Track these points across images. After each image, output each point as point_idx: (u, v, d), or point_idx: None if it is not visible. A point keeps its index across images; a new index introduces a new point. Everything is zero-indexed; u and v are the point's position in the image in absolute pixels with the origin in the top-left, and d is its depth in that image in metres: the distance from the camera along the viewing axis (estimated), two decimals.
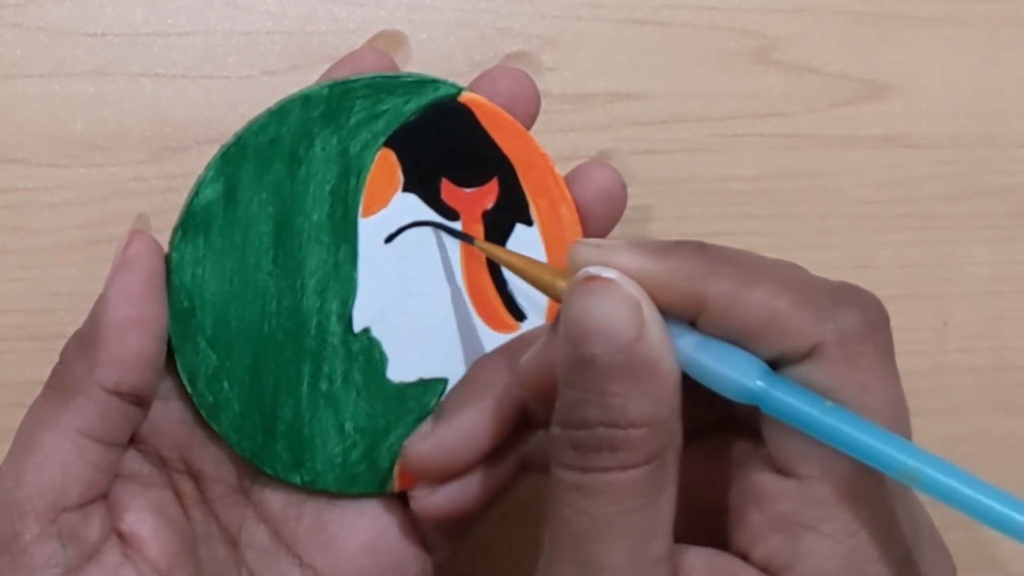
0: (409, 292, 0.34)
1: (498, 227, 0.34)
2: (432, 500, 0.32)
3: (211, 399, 0.33)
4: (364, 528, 0.35)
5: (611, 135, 0.43)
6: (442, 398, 0.34)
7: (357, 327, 0.34)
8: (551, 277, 0.30)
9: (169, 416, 0.34)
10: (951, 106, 0.45)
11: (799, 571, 0.27)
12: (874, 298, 0.28)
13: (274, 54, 0.42)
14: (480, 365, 0.34)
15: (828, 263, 0.43)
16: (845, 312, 0.27)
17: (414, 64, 0.36)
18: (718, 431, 0.30)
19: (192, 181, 0.33)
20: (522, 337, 0.34)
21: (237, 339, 0.33)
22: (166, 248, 0.33)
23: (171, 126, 0.42)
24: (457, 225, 0.34)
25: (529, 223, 0.35)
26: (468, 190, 0.34)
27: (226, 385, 0.33)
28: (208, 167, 0.33)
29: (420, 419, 0.34)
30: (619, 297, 0.27)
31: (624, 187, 0.35)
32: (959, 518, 0.26)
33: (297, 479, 0.34)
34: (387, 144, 0.34)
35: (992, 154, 0.45)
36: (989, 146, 0.45)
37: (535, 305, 0.35)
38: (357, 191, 0.34)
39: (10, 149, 0.41)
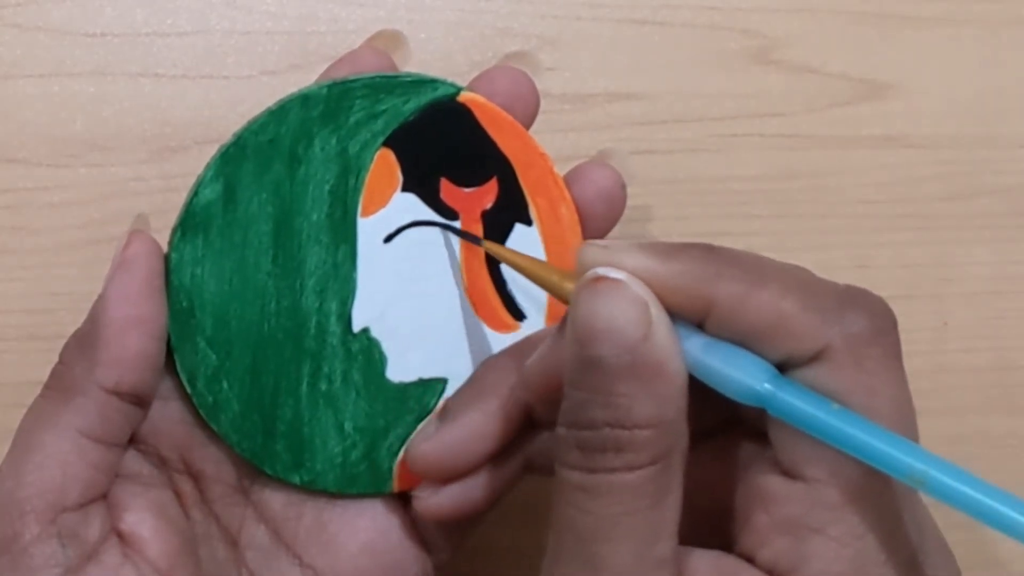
0: (408, 292, 0.34)
1: (497, 227, 0.34)
2: (435, 500, 0.32)
3: (211, 399, 0.33)
4: (364, 528, 0.35)
5: (611, 135, 0.43)
6: (443, 398, 0.34)
7: (356, 327, 0.34)
8: (558, 278, 0.30)
9: (169, 416, 0.34)
10: (951, 106, 0.45)
11: (805, 574, 0.27)
12: (881, 301, 0.28)
13: (274, 54, 0.42)
14: (486, 366, 0.34)
15: (828, 263, 0.43)
16: (852, 315, 0.27)
17: (414, 64, 0.36)
18: (724, 433, 0.30)
19: (192, 181, 0.33)
20: (528, 339, 0.34)
21: (236, 339, 0.33)
22: (165, 248, 0.33)
23: (171, 126, 0.42)
24: (457, 225, 0.34)
25: (528, 223, 0.35)
26: (467, 190, 0.34)
27: (226, 385, 0.33)
28: (207, 167, 0.33)
29: (420, 419, 0.34)
30: (626, 298, 0.27)
31: (624, 187, 0.35)
32: (961, 519, 0.26)
33: (297, 479, 0.34)
34: (386, 144, 0.34)
35: (992, 154, 0.45)
36: (989, 146, 0.45)
37: (535, 305, 0.35)
38: (356, 191, 0.34)
39: (10, 149, 0.41)
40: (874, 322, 0.28)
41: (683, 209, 0.43)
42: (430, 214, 0.34)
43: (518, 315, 0.35)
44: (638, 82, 0.44)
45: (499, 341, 0.34)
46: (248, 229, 0.33)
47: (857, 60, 0.45)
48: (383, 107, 0.34)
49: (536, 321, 0.35)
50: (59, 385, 0.32)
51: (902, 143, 0.44)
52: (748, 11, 0.44)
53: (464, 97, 0.34)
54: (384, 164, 0.34)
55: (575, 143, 0.43)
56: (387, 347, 0.34)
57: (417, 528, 0.35)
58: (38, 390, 0.33)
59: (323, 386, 0.34)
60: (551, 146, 0.35)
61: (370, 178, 0.34)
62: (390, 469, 0.34)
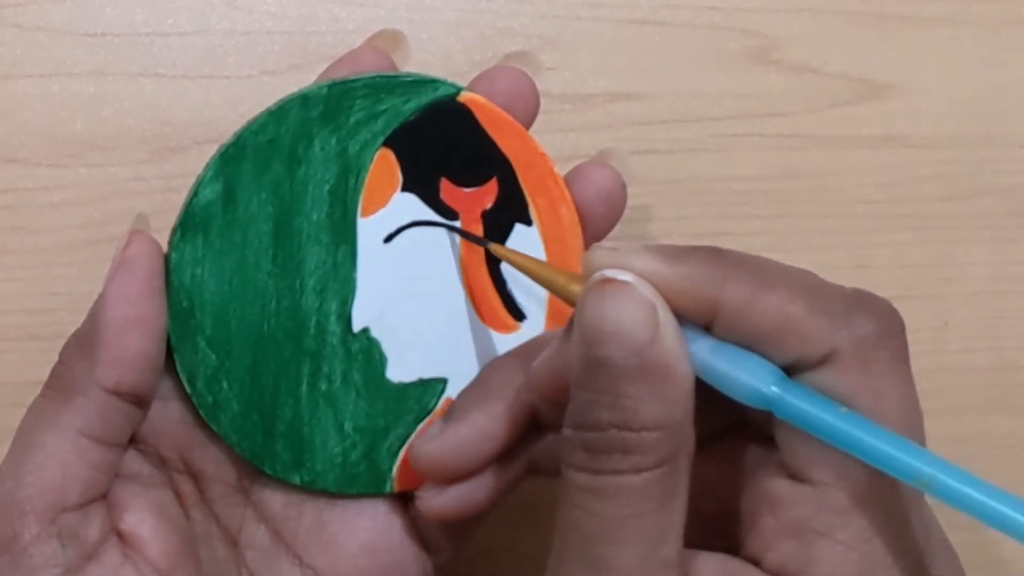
0: (408, 292, 0.34)
1: (497, 227, 0.34)
2: (439, 501, 0.32)
3: (210, 399, 0.33)
4: (364, 528, 0.35)
5: (611, 135, 0.43)
6: (443, 398, 0.34)
7: (356, 327, 0.34)
8: (565, 281, 0.30)
9: (169, 416, 0.34)
10: (951, 106, 0.45)
11: None
12: (889, 305, 0.28)
13: (274, 54, 0.42)
14: (491, 367, 0.33)
15: (828, 263, 0.43)
16: (860, 318, 0.27)
17: (414, 64, 0.36)
18: (730, 436, 0.30)
19: (192, 181, 0.33)
20: (533, 340, 0.34)
21: (236, 339, 0.33)
22: (165, 248, 0.33)
23: (171, 126, 0.42)
24: (457, 224, 0.34)
25: (528, 223, 0.35)
26: (467, 190, 0.34)
27: (225, 385, 0.33)
28: (207, 167, 0.33)
29: (420, 419, 0.34)
30: (634, 300, 0.27)
31: (624, 187, 0.35)
32: (963, 519, 0.26)
33: (297, 479, 0.34)
34: (386, 144, 0.34)
35: (992, 154, 0.45)
36: (989, 146, 0.45)
37: (535, 305, 0.35)
38: (356, 191, 0.34)
39: (10, 149, 0.41)
40: (882, 325, 0.28)
41: (683, 209, 0.43)
42: (430, 214, 0.34)
43: (518, 315, 0.35)
44: (638, 82, 0.44)
45: (499, 341, 0.34)
46: (248, 229, 0.33)
47: (857, 60, 0.45)
48: (383, 107, 0.34)
49: (536, 321, 0.35)
50: (59, 385, 0.32)
51: (902, 143, 0.44)
52: (748, 11, 0.44)
53: (464, 97, 0.34)
54: (384, 164, 0.34)
55: (575, 143, 0.43)
56: (387, 347, 0.34)
57: (417, 528, 0.35)
58: (38, 390, 0.33)
59: (323, 386, 0.34)
60: (551, 146, 0.35)
61: (370, 178, 0.34)
62: (390, 469, 0.34)
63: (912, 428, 0.27)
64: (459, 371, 0.34)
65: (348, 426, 0.34)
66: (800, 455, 0.28)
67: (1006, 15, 0.45)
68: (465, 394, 0.33)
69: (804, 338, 0.27)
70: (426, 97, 0.34)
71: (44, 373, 0.33)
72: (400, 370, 0.34)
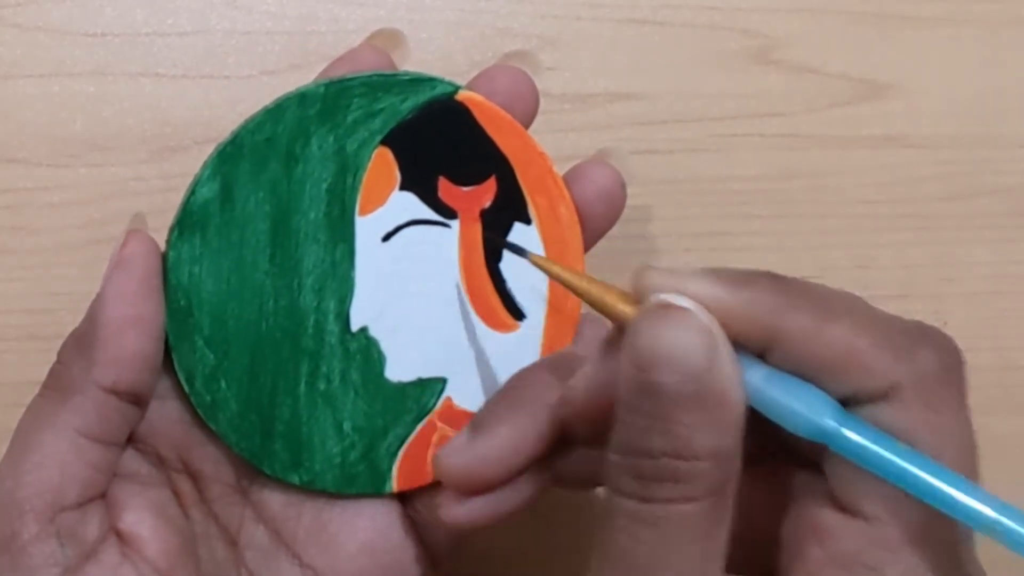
0: (407, 291, 0.34)
1: (496, 226, 0.34)
2: (461, 511, 0.31)
3: (209, 398, 0.33)
4: (363, 528, 0.34)
5: (611, 135, 0.43)
6: (442, 398, 0.34)
7: (355, 326, 0.34)
8: (613, 300, 0.29)
9: (167, 415, 0.34)
10: (951, 106, 0.45)
11: None
12: (949, 339, 0.28)
13: (274, 54, 0.42)
14: (520, 379, 0.33)
15: (828, 263, 0.43)
16: (923, 353, 0.27)
17: (414, 64, 0.36)
18: (771, 459, 0.30)
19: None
20: (562, 354, 0.33)
21: (234, 338, 0.33)
22: (163, 247, 0.33)
23: (171, 126, 0.42)
24: (455, 224, 0.34)
25: (527, 222, 0.34)
26: (466, 188, 0.34)
27: (224, 384, 0.33)
28: (204, 166, 0.33)
29: (419, 419, 0.34)
30: (693, 327, 0.26)
31: (623, 186, 0.35)
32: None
33: (296, 479, 0.34)
34: (384, 142, 0.34)
35: (992, 154, 0.45)
36: (989, 146, 0.45)
37: (534, 304, 0.35)
38: (354, 189, 0.34)
39: (10, 149, 0.41)
40: (944, 360, 0.27)
41: (683, 209, 0.43)
42: (428, 213, 0.34)
43: (517, 314, 0.35)
44: (638, 82, 0.44)
45: (498, 340, 0.34)
46: (245, 228, 0.33)
47: (857, 60, 0.45)
48: (381, 106, 0.34)
49: (535, 320, 0.35)
50: (57, 385, 0.32)
51: (902, 143, 0.44)
52: (748, 11, 0.44)
53: (462, 96, 0.34)
54: (382, 163, 0.34)
55: (575, 143, 0.43)
56: (386, 346, 0.34)
57: (417, 528, 0.35)
58: (38, 390, 0.33)
59: (321, 385, 0.34)
60: (551, 146, 0.35)
61: (368, 177, 0.34)
62: (389, 469, 0.34)
63: (969, 467, 0.27)
64: (458, 370, 0.34)
65: (347, 426, 0.34)
66: (852, 488, 0.27)
67: (1006, 15, 0.45)
68: (492, 405, 0.32)
69: (867, 371, 0.27)
70: (424, 96, 0.34)
71: (44, 373, 0.33)
72: (399, 369, 0.34)
